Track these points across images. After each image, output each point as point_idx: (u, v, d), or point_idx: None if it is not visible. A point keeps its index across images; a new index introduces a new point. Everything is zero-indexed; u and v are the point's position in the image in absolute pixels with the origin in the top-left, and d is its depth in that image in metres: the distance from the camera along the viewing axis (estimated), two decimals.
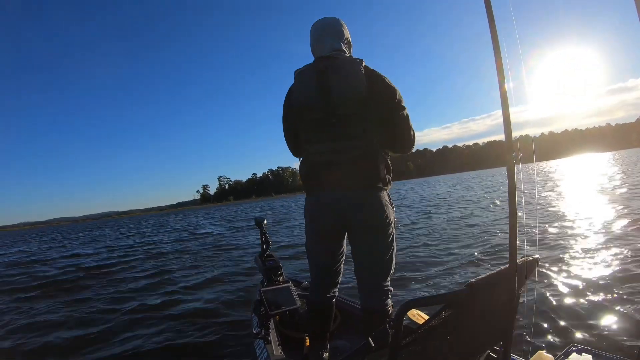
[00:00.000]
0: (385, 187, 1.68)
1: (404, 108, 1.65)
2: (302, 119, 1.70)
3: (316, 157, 1.69)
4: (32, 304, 4.95)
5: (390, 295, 1.74)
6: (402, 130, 1.68)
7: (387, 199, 1.68)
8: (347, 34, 1.76)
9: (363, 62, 1.62)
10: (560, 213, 7.64)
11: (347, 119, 1.60)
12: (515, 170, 1.05)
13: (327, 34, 1.72)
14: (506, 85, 1.06)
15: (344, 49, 1.72)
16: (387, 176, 1.68)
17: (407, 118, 1.67)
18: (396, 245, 1.75)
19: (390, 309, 1.71)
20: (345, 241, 1.82)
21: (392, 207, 1.72)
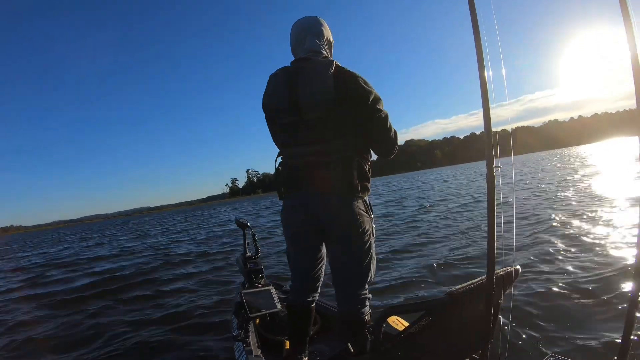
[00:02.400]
0: (359, 194, 1.60)
1: (379, 110, 1.58)
2: (274, 123, 1.71)
3: (289, 161, 1.68)
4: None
5: (367, 304, 1.70)
6: (378, 133, 1.62)
7: (361, 207, 1.61)
8: (328, 33, 1.72)
9: (334, 64, 1.57)
10: (545, 214, 7.45)
11: (315, 124, 1.56)
12: (496, 182, 1.05)
13: (306, 34, 1.68)
14: (486, 74, 1.03)
15: (322, 49, 1.68)
16: (364, 183, 1.62)
17: (384, 120, 1.60)
18: (375, 254, 1.71)
19: (367, 317, 1.67)
20: (324, 247, 1.78)
21: (369, 215, 1.66)
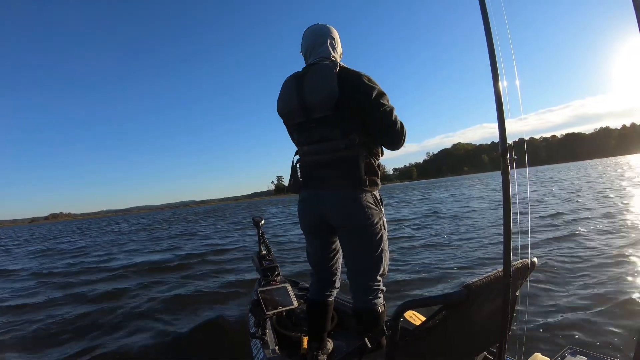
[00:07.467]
0: (368, 188, 1.65)
1: (383, 104, 1.61)
2: (287, 124, 1.82)
3: (304, 158, 1.78)
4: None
5: (380, 295, 1.74)
6: (385, 127, 1.65)
7: (370, 200, 1.66)
8: (336, 40, 1.80)
9: (338, 65, 1.65)
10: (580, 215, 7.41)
11: (323, 122, 1.65)
12: (510, 173, 1.06)
13: (315, 41, 1.76)
14: (500, 84, 1.05)
15: (330, 55, 1.75)
16: (371, 177, 1.66)
17: (389, 114, 1.63)
18: (387, 246, 1.75)
19: (381, 309, 1.71)
20: (337, 241, 1.84)
21: (379, 208, 1.70)
